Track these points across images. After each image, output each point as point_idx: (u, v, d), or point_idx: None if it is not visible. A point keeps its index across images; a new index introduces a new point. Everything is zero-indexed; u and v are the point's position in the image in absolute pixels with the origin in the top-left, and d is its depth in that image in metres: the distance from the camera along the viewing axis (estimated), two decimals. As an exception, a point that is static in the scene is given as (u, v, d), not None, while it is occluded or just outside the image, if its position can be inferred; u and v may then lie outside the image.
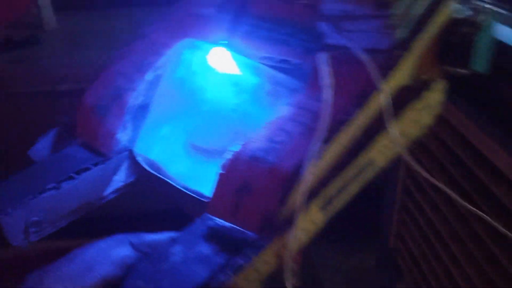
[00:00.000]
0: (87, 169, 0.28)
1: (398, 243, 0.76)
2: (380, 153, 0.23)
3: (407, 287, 0.72)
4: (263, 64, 0.26)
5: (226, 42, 0.26)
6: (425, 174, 0.26)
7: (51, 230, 0.27)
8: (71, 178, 0.27)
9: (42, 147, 0.30)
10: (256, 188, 0.21)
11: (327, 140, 0.21)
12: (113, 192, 0.29)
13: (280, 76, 0.25)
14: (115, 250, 0.21)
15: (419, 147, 0.58)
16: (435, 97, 0.25)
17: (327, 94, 0.21)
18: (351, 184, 0.22)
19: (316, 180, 0.21)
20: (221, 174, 0.22)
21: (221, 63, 0.26)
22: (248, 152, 0.22)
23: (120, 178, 0.30)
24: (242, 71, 0.26)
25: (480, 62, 0.26)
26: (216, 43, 0.27)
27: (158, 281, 0.20)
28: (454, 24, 0.25)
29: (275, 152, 0.21)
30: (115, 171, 0.29)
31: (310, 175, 0.20)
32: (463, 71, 0.26)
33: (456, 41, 0.24)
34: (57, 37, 0.65)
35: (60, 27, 0.65)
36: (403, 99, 0.23)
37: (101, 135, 0.29)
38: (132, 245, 0.21)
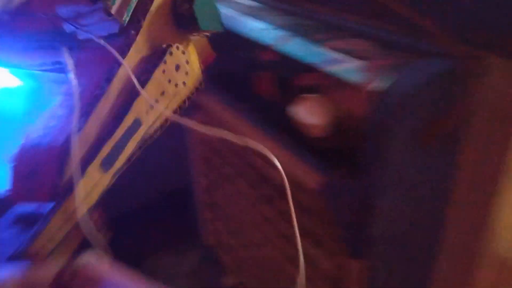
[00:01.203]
0: None
1: (215, 238, 0.77)
2: (145, 114, 0.29)
3: (232, 278, 0.73)
4: (41, 70, 0.31)
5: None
6: (196, 125, 0.31)
7: None
8: None
9: None
10: (40, 169, 0.25)
11: (87, 112, 0.26)
12: None
13: (52, 75, 0.30)
14: None
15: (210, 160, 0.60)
16: (179, 58, 0.31)
17: (73, 77, 0.26)
18: (125, 143, 0.28)
19: (87, 147, 0.26)
20: (12, 167, 0.26)
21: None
22: (30, 142, 0.26)
23: None
24: (22, 81, 0.30)
25: (208, 23, 0.32)
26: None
27: None
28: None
29: (49, 135, 0.26)
30: None
31: (77, 144, 0.25)
32: (197, 32, 0.32)
33: (181, 10, 0.31)
34: None
35: None
36: (148, 66, 0.29)
37: None
38: None
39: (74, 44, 0.29)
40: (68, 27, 0.28)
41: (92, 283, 0.23)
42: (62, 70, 0.30)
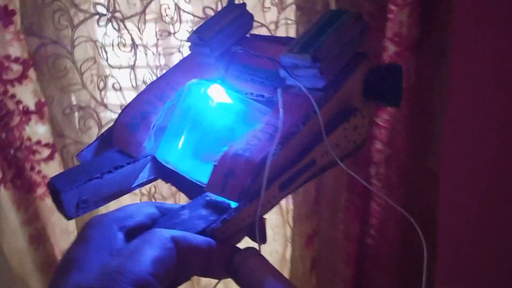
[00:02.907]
0: (121, 166, 0.39)
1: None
2: (320, 157, 0.35)
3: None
4: (246, 97, 0.39)
5: (221, 81, 0.39)
6: (360, 179, 0.37)
7: (94, 208, 0.38)
8: (110, 172, 0.39)
9: (87, 152, 0.42)
10: (237, 173, 0.33)
11: (283, 143, 0.33)
12: (138, 185, 0.41)
13: (257, 104, 0.37)
14: (145, 208, 0.32)
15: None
16: (359, 120, 0.37)
17: (281, 115, 0.34)
18: (300, 175, 0.34)
19: (276, 169, 0.33)
20: (214, 165, 0.34)
21: (217, 95, 0.39)
22: (233, 151, 0.34)
23: (144, 175, 0.41)
24: (232, 101, 0.38)
25: (392, 99, 0.38)
26: (214, 81, 0.39)
27: (176, 229, 0.31)
28: (376, 70, 0.38)
29: (250, 150, 0.33)
30: (141, 170, 0.41)
31: (270, 165, 0.32)
32: (379, 104, 0.38)
33: (372, 83, 0.37)
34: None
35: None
36: (335, 120, 0.36)
37: (132, 143, 0.41)
38: (156, 207, 0.33)
39: (281, 86, 0.37)
40: (282, 72, 0.36)
41: (256, 273, 0.29)
42: (263, 102, 0.38)
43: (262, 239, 0.33)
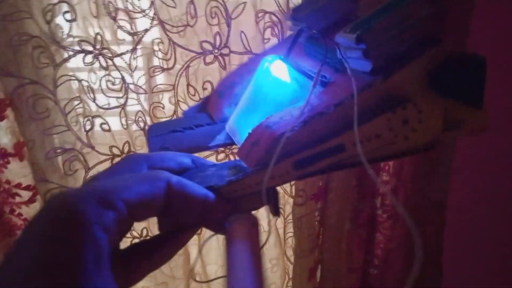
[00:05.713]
0: (201, 125, 0.45)
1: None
2: (352, 144, 0.32)
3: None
4: (309, 75, 0.39)
5: (283, 57, 0.40)
6: (375, 179, 0.33)
7: (174, 157, 0.45)
8: (191, 128, 0.45)
9: (191, 110, 0.50)
10: (260, 143, 0.34)
11: (306, 121, 0.32)
12: (214, 146, 0.46)
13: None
14: (181, 157, 0.37)
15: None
16: (412, 114, 0.32)
17: (311, 92, 0.33)
18: (322, 158, 0.33)
19: (294, 146, 0.32)
20: (248, 133, 0.36)
21: (277, 70, 0.39)
22: (266, 123, 0.35)
23: (221, 138, 0.46)
24: (288, 77, 0.39)
25: (470, 98, 0.31)
26: (279, 57, 0.40)
27: (194, 180, 0.35)
28: (448, 60, 0.32)
29: (278, 124, 0.34)
30: (218, 132, 0.45)
31: (288, 140, 0.32)
32: (468, 105, 0.31)
33: (453, 77, 0.31)
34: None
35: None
36: (379, 108, 0.32)
37: (215, 108, 0.46)
38: (191, 159, 0.37)
39: (339, 67, 0.35)
40: (338, 53, 0.35)
41: (235, 233, 0.30)
42: (323, 83, 0.37)
43: (274, 212, 0.33)
